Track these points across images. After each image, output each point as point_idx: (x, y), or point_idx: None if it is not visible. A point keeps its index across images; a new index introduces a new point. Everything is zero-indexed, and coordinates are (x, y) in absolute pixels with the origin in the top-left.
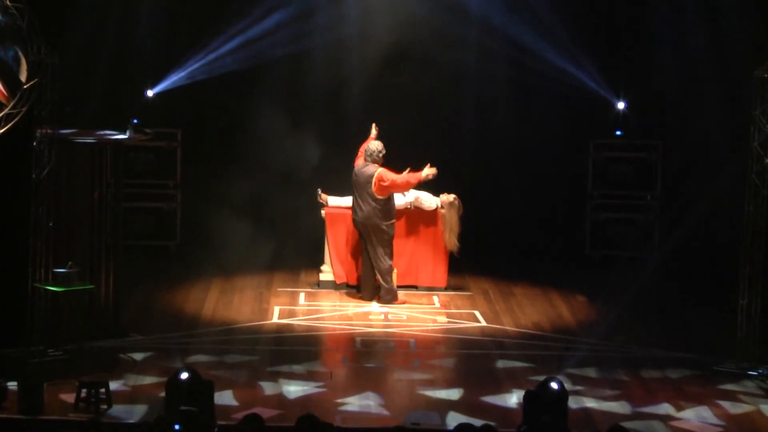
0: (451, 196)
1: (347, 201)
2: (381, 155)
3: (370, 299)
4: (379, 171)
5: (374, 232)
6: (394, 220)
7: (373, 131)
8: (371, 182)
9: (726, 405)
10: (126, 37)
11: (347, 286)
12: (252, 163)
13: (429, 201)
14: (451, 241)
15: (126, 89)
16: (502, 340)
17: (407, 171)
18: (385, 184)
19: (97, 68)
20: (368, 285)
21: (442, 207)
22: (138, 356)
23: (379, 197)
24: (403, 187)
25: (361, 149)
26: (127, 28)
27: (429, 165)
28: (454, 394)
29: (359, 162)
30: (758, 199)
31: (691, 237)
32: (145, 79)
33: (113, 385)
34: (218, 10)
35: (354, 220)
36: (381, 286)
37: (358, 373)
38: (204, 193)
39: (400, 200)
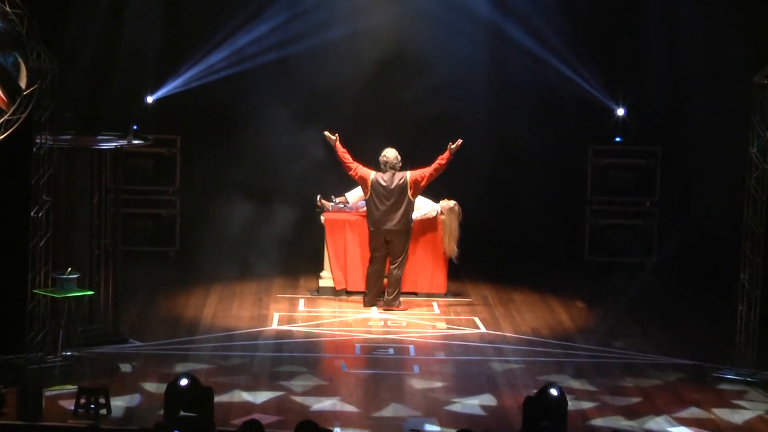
0: (451, 202)
1: (356, 193)
2: (401, 163)
3: (371, 305)
4: (410, 174)
5: (403, 239)
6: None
7: (332, 137)
8: (406, 188)
9: (725, 411)
10: (125, 44)
11: (346, 292)
12: (251, 168)
13: (429, 208)
14: (451, 246)
15: (126, 95)
16: (501, 346)
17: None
18: (423, 182)
19: (96, 74)
20: (374, 291)
21: (441, 213)
22: (137, 362)
23: (413, 200)
24: (439, 172)
25: (345, 160)
26: (126, 35)
27: (451, 142)
28: (453, 400)
29: (361, 171)
30: (756, 206)
31: (690, 243)
32: (145, 85)
33: (112, 392)
34: (217, 16)
35: (379, 230)
36: (389, 291)
37: (358, 380)
38: (203, 199)
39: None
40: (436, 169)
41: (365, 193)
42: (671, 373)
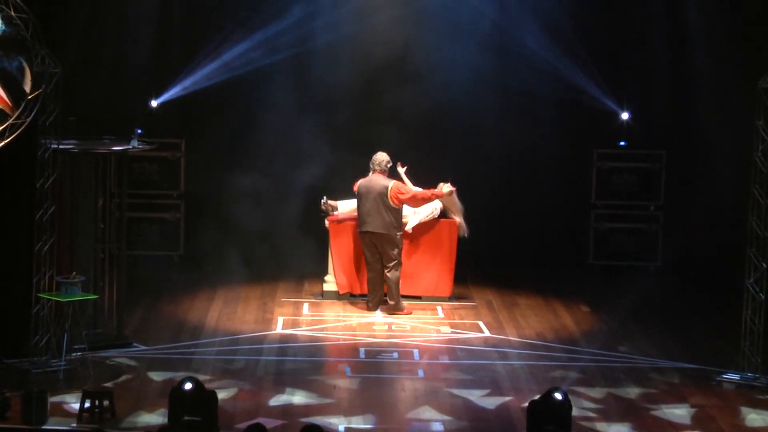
0: (447, 184)
1: (352, 204)
2: (389, 165)
3: (375, 309)
4: (395, 183)
5: (387, 243)
6: (402, 231)
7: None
8: (387, 193)
9: (729, 414)
10: (130, 48)
11: (351, 296)
12: (255, 172)
13: (430, 209)
14: (462, 224)
15: (130, 99)
16: (505, 350)
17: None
18: (404, 197)
19: (101, 78)
20: (376, 295)
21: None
22: (142, 366)
23: (395, 207)
24: (422, 202)
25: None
26: (130, 39)
27: (450, 182)
28: (457, 404)
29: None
30: (761, 210)
31: (695, 247)
32: (149, 89)
33: (117, 395)
34: (221, 20)
35: (363, 233)
36: (389, 296)
37: (362, 383)
38: (208, 203)
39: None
40: (421, 196)
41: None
42: (675, 376)
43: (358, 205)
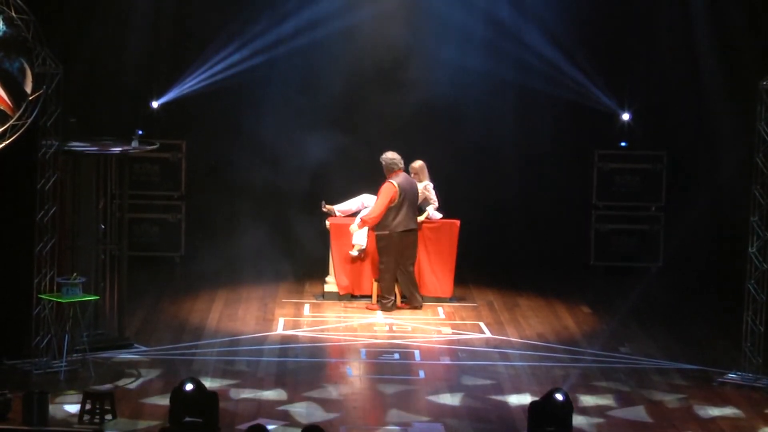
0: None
1: (351, 204)
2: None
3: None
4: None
5: (415, 241)
6: None
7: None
8: (418, 190)
9: (730, 415)
10: (131, 49)
11: (351, 297)
12: (256, 173)
13: (421, 187)
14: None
15: (131, 100)
16: (506, 351)
17: None
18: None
19: (102, 79)
20: (412, 293)
21: (415, 174)
22: (143, 367)
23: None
24: None
25: (380, 208)
26: (132, 40)
27: None
28: (458, 405)
29: (390, 194)
30: (762, 211)
31: (696, 247)
32: (150, 90)
33: (118, 397)
34: (223, 21)
35: (405, 232)
36: (414, 291)
37: (363, 385)
38: (208, 204)
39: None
40: None
41: (393, 201)
42: (677, 378)
43: (398, 206)
